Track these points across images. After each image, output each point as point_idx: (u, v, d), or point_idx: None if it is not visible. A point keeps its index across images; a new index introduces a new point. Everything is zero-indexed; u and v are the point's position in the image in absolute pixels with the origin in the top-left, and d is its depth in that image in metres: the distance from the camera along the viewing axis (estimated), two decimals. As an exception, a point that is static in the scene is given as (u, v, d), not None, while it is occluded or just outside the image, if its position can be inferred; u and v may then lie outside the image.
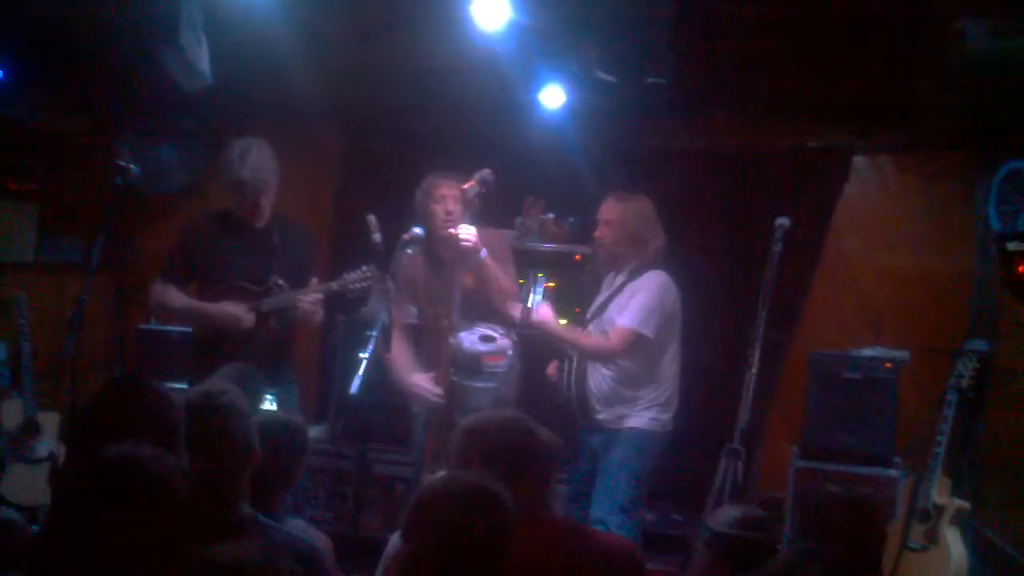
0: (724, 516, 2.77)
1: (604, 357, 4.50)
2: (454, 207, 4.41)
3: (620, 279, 4.57)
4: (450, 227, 4.39)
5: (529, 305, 4.41)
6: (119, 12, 4.19)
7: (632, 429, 4.43)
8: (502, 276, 4.48)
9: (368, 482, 5.23)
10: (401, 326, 4.60)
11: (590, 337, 4.56)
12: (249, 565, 1.88)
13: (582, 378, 4.55)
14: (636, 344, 4.41)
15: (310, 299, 4.39)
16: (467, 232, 4.32)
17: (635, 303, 4.42)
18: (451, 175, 4.48)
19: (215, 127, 6.09)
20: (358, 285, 4.38)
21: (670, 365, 4.52)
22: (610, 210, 4.57)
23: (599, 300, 4.66)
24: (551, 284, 5.28)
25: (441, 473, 3.27)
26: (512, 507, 2.33)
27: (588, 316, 4.68)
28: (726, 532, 2.70)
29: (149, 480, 2.05)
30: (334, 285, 4.41)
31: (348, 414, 4.76)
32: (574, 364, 4.59)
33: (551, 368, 4.76)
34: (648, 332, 4.39)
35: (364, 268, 4.37)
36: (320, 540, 3.11)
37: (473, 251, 4.35)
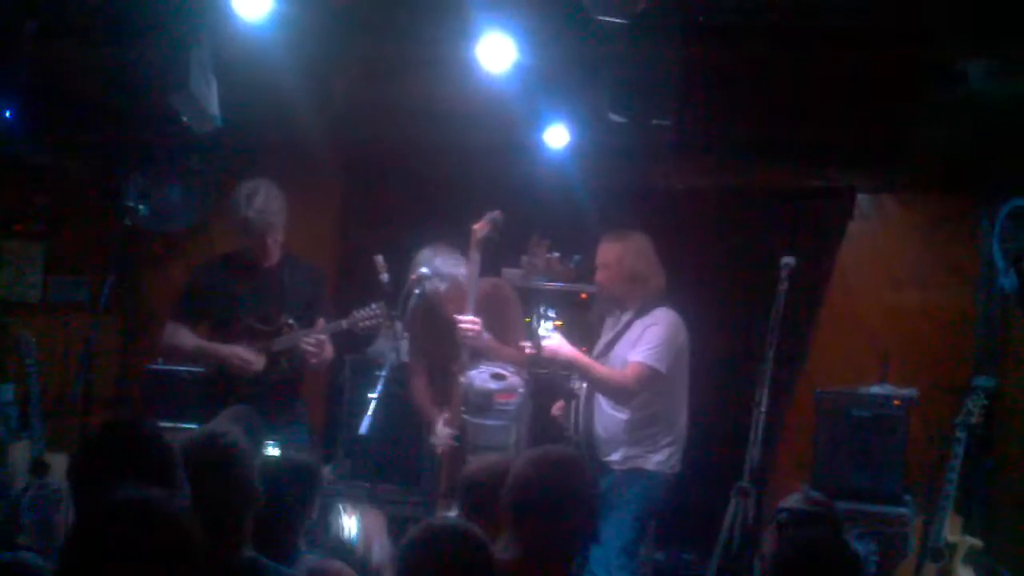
0: (795, 498, 3.25)
1: (615, 392, 4.41)
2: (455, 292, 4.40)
3: (626, 316, 4.52)
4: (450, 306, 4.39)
5: (539, 336, 4.36)
6: (129, 56, 4.21)
7: (642, 471, 4.38)
8: (507, 353, 4.45)
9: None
10: (419, 363, 4.60)
11: (603, 368, 4.47)
12: None
13: (589, 420, 4.49)
14: (650, 381, 4.34)
15: (315, 339, 4.39)
16: (468, 323, 4.30)
17: (647, 338, 4.37)
18: (445, 249, 4.46)
19: (221, 166, 6.12)
20: (368, 323, 4.40)
21: (680, 405, 4.48)
22: (607, 252, 4.53)
23: (605, 339, 4.61)
24: (559, 323, 5.27)
25: (452, 513, 3.26)
26: (489, 551, 2.36)
27: (595, 355, 4.59)
28: (800, 508, 3.03)
29: (163, 523, 2.04)
30: (344, 323, 4.41)
31: (357, 455, 4.74)
32: (581, 405, 4.53)
33: (556, 408, 4.73)
34: (662, 368, 4.33)
35: (373, 306, 4.39)
36: (342, 571, 3.09)
37: (476, 340, 4.33)
